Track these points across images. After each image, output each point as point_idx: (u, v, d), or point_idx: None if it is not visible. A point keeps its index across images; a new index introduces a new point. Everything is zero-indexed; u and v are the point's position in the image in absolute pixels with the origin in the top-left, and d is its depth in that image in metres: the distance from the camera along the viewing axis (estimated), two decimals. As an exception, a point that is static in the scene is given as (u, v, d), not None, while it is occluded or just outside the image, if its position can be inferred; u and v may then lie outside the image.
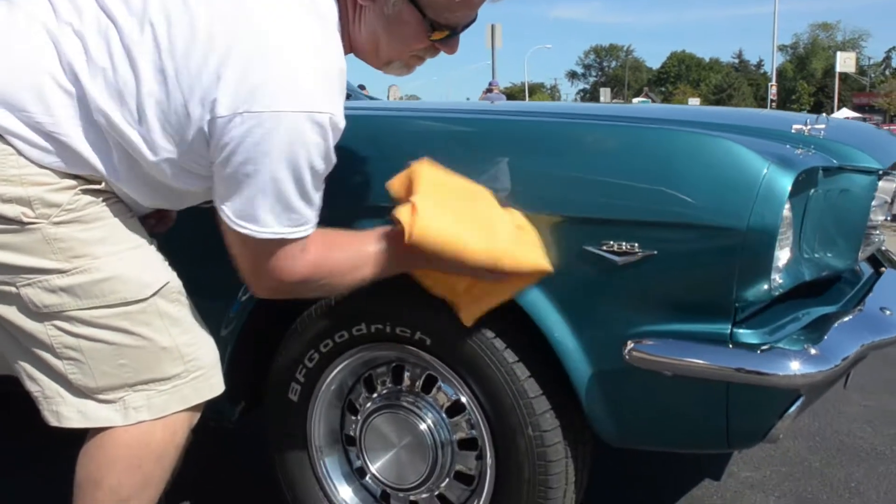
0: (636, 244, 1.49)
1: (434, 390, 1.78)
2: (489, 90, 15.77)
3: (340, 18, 1.46)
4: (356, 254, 1.52)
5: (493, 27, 18.95)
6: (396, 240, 1.51)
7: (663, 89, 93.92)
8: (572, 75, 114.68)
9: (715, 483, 2.43)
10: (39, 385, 1.47)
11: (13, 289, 1.40)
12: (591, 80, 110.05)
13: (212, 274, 1.89)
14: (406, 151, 1.63)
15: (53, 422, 1.48)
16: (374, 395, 1.85)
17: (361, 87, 6.50)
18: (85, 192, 1.40)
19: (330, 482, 1.92)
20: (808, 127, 1.82)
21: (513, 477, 1.69)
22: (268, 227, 1.36)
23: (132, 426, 1.47)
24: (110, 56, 1.35)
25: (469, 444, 1.76)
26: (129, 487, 1.48)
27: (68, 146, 1.36)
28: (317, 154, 1.34)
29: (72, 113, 1.36)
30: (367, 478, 1.90)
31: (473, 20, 1.53)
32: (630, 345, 1.54)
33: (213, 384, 1.56)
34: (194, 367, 1.51)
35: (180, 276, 1.63)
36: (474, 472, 1.77)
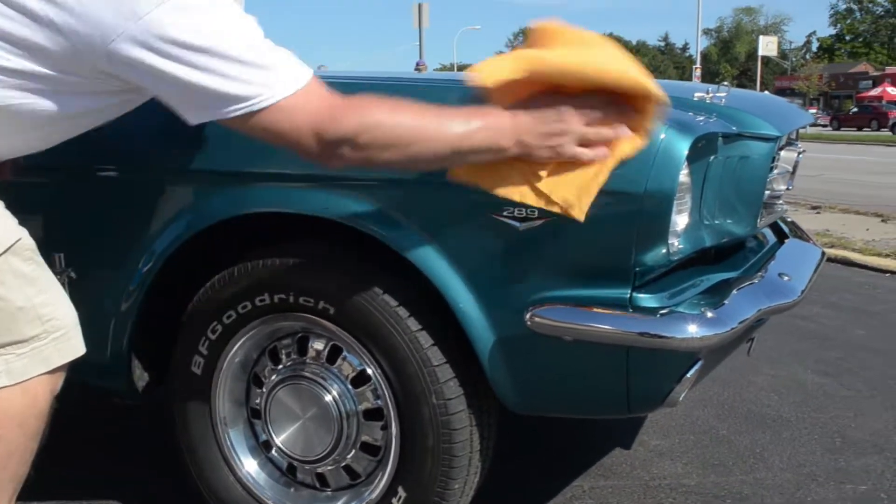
0: (536, 210, 1.49)
1: (339, 360, 1.76)
2: (417, 69, 15.73)
3: None
4: (421, 116, 1.38)
5: (419, 6, 18.90)
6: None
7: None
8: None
9: (625, 451, 2.46)
10: None
11: None
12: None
13: (107, 245, 1.85)
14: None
15: None
16: (279, 366, 1.82)
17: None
18: None
19: (235, 456, 1.88)
20: (710, 95, 1.83)
21: (417, 446, 1.68)
22: (294, 72, 1.31)
23: None
24: None
25: (375, 414, 1.75)
26: None
27: None
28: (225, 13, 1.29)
29: None
30: (273, 451, 1.87)
31: None
32: (532, 311, 1.54)
33: (74, 345, 1.49)
34: (53, 327, 1.45)
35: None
36: (380, 443, 1.76)
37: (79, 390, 1.65)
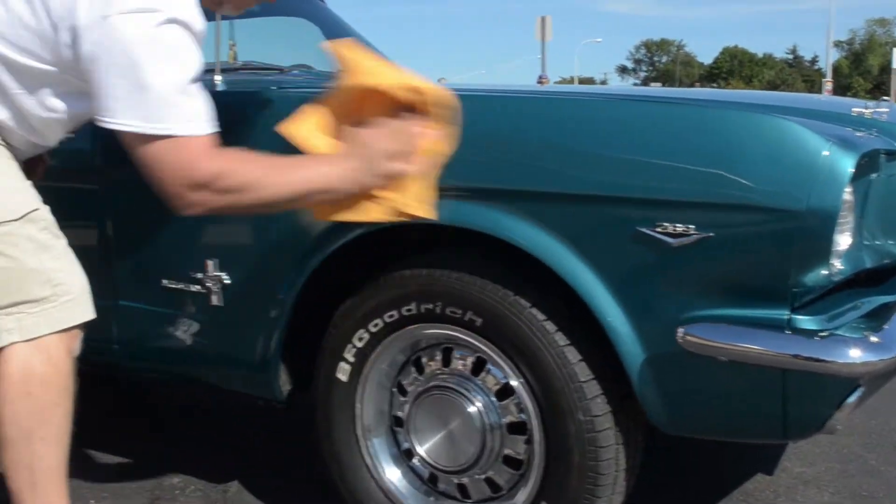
0: (692, 226, 1.47)
1: (483, 372, 1.77)
2: (539, 82, 15.72)
3: None
4: (268, 166, 1.57)
5: (542, 19, 18.87)
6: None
7: (715, 84, 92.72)
8: (622, 70, 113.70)
9: (767, 477, 2.39)
10: None
11: None
12: (642, 74, 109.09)
13: (260, 253, 1.91)
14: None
15: None
16: (423, 376, 1.84)
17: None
18: None
19: (378, 463, 1.91)
20: (870, 110, 1.77)
21: (562, 462, 1.68)
22: (157, 122, 1.47)
23: (11, 356, 1.58)
24: None
25: (518, 427, 1.75)
26: (27, 416, 1.60)
27: None
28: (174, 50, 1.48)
29: None
30: (415, 460, 1.89)
31: None
32: (684, 329, 1.51)
33: (83, 309, 1.65)
34: (63, 290, 1.61)
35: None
36: (523, 457, 1.76)
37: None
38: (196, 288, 1.97)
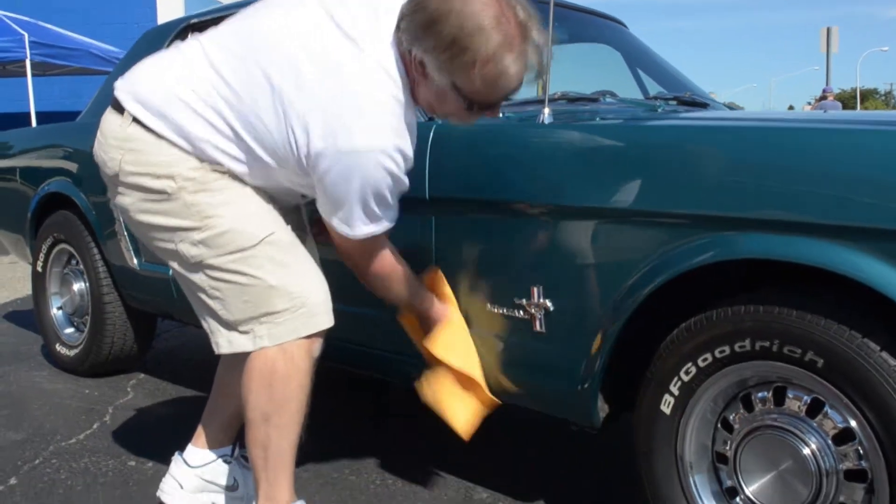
0: None
1: (820, 415, 1.69)
2: (823, 97, 14.87)
3: (410, 82, 1.83)
4: (404, 275, 2.06)
5: (828, 30, 17.80)
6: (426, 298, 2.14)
7: None
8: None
9: None
10: (206, 322, 1.97)
11: (173, 245, 1.91)
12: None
13: (586, 282, 1.95)
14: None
15: (216, 350, 1.98)
16: (753, 414, 1.79)
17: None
18: (212, 171, 1.87)
19: (699, 499, 1.88)
20: None
21: (907, 514, 1.57)
22: (359, 231, 1.87)
23: (260, 355, 1.89)
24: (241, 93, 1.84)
25: (857, 475, 1.66)
26: (266, 404, 1.90)
27: (204, 150, 1.86)
28: (390, 178, 1.81)
29: (211, 131, 1.85)
30: (738, 499, 1.84)
31: (516, 91, 1.83)
32: None
33: (322, 319, 1.92)
34: (300, 303, 1.88)
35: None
36: (862, 505, 1.67)
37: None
38: (520, 314, 2.04)
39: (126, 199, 1.93)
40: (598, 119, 2.08)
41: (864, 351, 1.57)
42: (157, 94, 1.87)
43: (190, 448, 2.23)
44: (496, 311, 2.11)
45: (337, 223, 1.88)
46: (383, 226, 1.90)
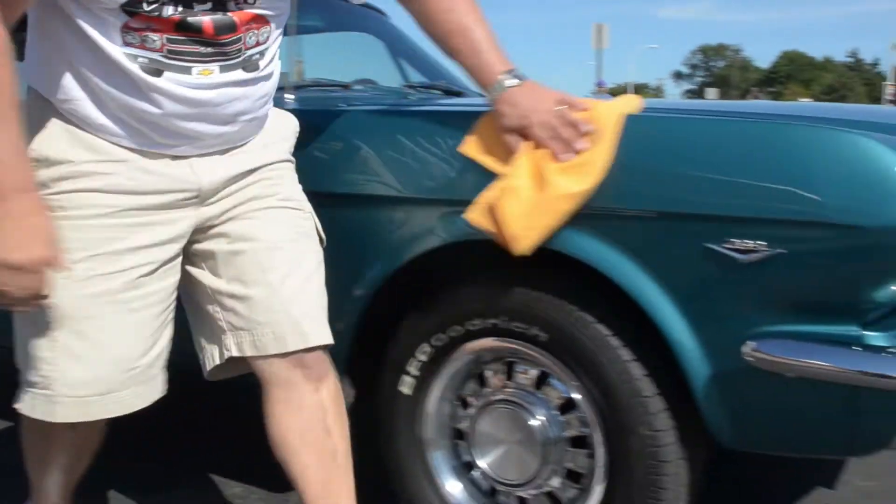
0: (762, 242, 1.45)
1: (546, 386, 1.77)
2: (597, 91, 15.64)
3: None
4: None
5: (598, 27, 18.75)
6: None
7: (773, 89, 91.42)
8: (678, 75, 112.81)
9: (829, 492, 2.35)
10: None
11: None
12: (698, 80, 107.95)
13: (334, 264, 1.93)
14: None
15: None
16: (486, 389, 1.85)
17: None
18: None
19: (439, 476, 1.93)
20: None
21: (624, 477, 1.67)
22: None
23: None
24: None
25: (580, 441, 1.75)
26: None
27: None
28: None
29: None
30: (476, 472, 1.90)
31: None
32: (751, 345, 1.50)
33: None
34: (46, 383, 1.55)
35: None
36: (584, 471, 1.76)
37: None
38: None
39: None
40: (343, 106, 2.07)
41: (580, 323, 1.65)
42: None
43: None
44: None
45: None
46: None
